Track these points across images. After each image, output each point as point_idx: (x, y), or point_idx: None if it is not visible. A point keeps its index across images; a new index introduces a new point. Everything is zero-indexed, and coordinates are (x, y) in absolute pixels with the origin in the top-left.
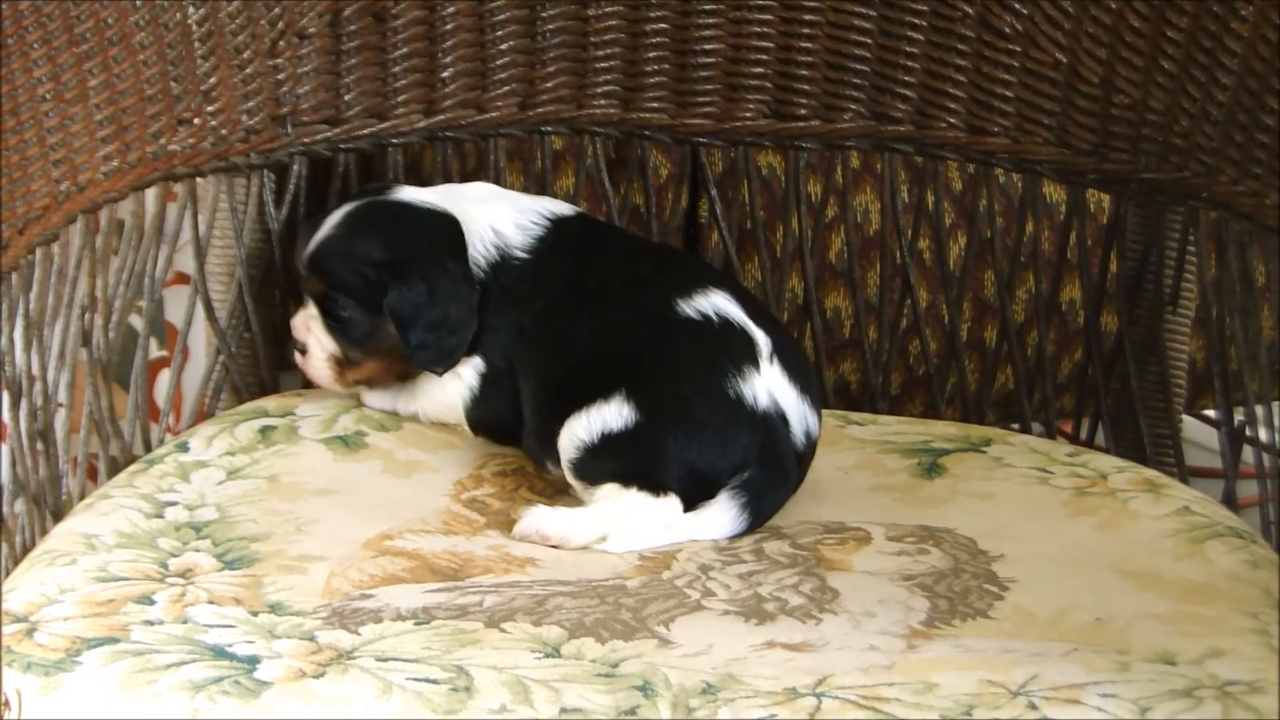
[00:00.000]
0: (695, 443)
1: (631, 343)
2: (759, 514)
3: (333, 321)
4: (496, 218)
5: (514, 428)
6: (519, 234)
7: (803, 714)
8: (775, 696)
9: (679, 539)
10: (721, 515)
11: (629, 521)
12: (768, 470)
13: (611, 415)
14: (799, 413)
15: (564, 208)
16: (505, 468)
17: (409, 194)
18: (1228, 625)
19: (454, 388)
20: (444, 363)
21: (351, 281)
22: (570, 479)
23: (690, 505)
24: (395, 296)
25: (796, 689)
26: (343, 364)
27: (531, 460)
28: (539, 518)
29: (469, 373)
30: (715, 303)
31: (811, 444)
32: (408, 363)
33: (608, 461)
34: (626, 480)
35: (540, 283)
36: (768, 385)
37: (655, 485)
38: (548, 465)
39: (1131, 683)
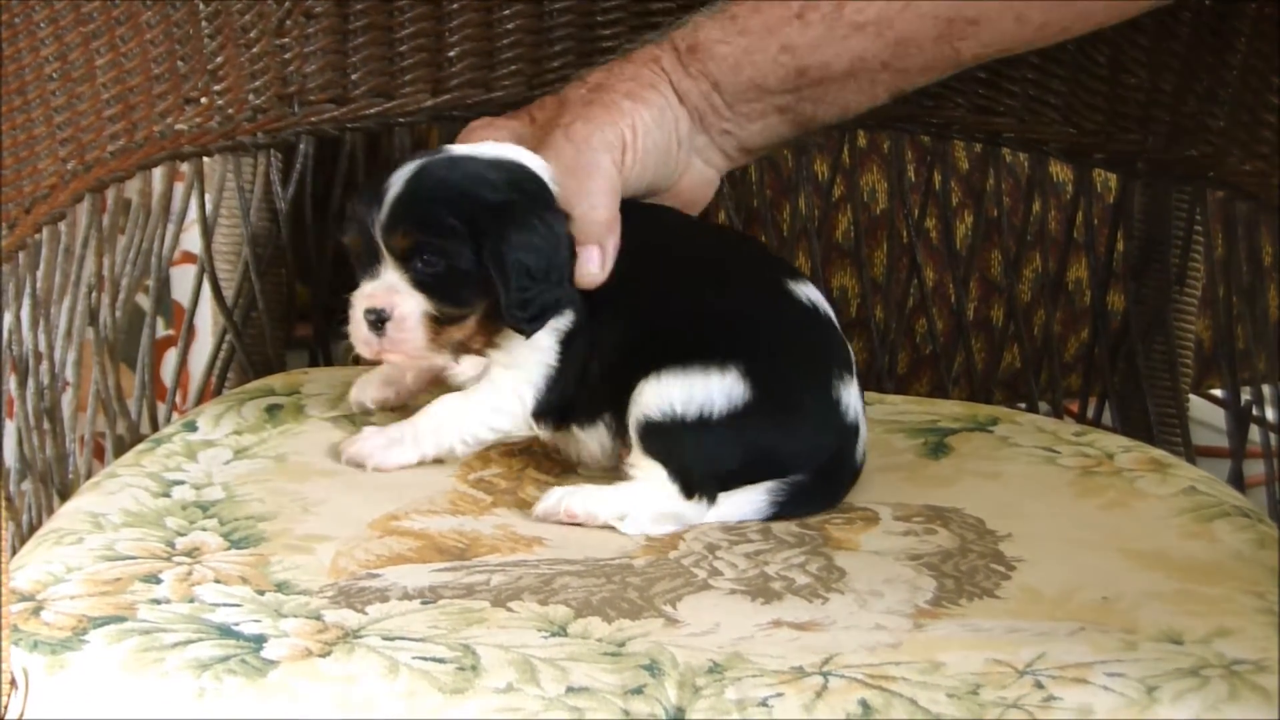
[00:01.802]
0: (792, 436)
1: (745, 314)
2: (788, 514)
3: (428, 277)
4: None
5: (571, 406)
6: None
7: (809, 693)
8: (782, 675)
9: (698, 522)
10: (748, 505)
11: (653, 511)
12: (823, 481)
13: (718, 390)
14: (863, 431)
15: None
16: (512, 448)
17: (466, 149)
18: (1234, 605)
19: (532, 360)
20: (540, 321)
21: (452, 225)
22: (634, 437)
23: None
24: (499, 241)
25: (803, 668)
26: (440, 322)
27: (563, 444)
28: (567, 496)
29: (547, 339)
30: (812, 294)
31: (861, 464)
32: (501, 322)
33: (682, 441)
34: (678, 474)
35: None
36: (854, 395)
37: (701, 489)
38: (592, 440)
39: (1138, 662)
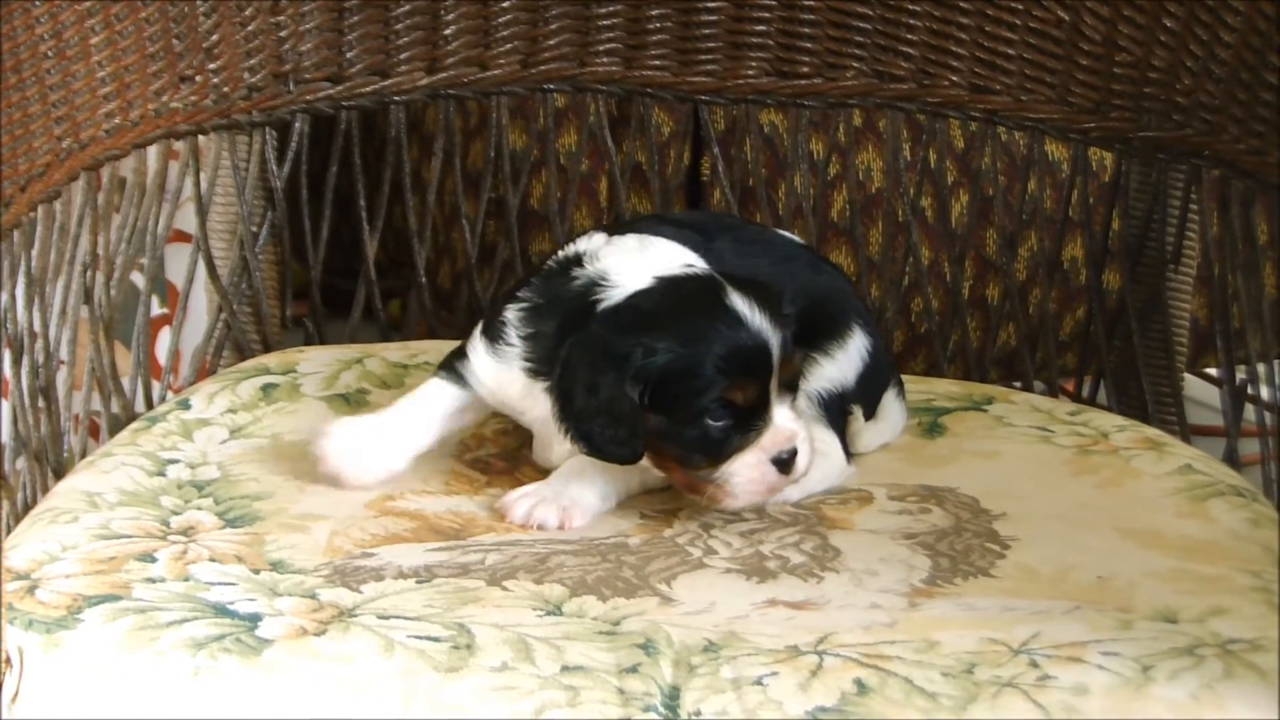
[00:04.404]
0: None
1: (832, 285)
2: None
3: (799, 390)
4: (674, 255)
5: None
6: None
7: (805, 672)
8: (777, 654)
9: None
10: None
11: (839, 472)
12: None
13: (856, 351)
14: None
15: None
16: (507, 426)
17: (684, 263)
18: (1230, 583)
19: None
20: None
21: (799, 334)
22: (814, 425)
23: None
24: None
25: (798, 647)
26: None
27: None
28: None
29: None
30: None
31: None
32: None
33: (853, 402)
34: (842, 436)
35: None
36: None
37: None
38: None
39: (1133, 641)
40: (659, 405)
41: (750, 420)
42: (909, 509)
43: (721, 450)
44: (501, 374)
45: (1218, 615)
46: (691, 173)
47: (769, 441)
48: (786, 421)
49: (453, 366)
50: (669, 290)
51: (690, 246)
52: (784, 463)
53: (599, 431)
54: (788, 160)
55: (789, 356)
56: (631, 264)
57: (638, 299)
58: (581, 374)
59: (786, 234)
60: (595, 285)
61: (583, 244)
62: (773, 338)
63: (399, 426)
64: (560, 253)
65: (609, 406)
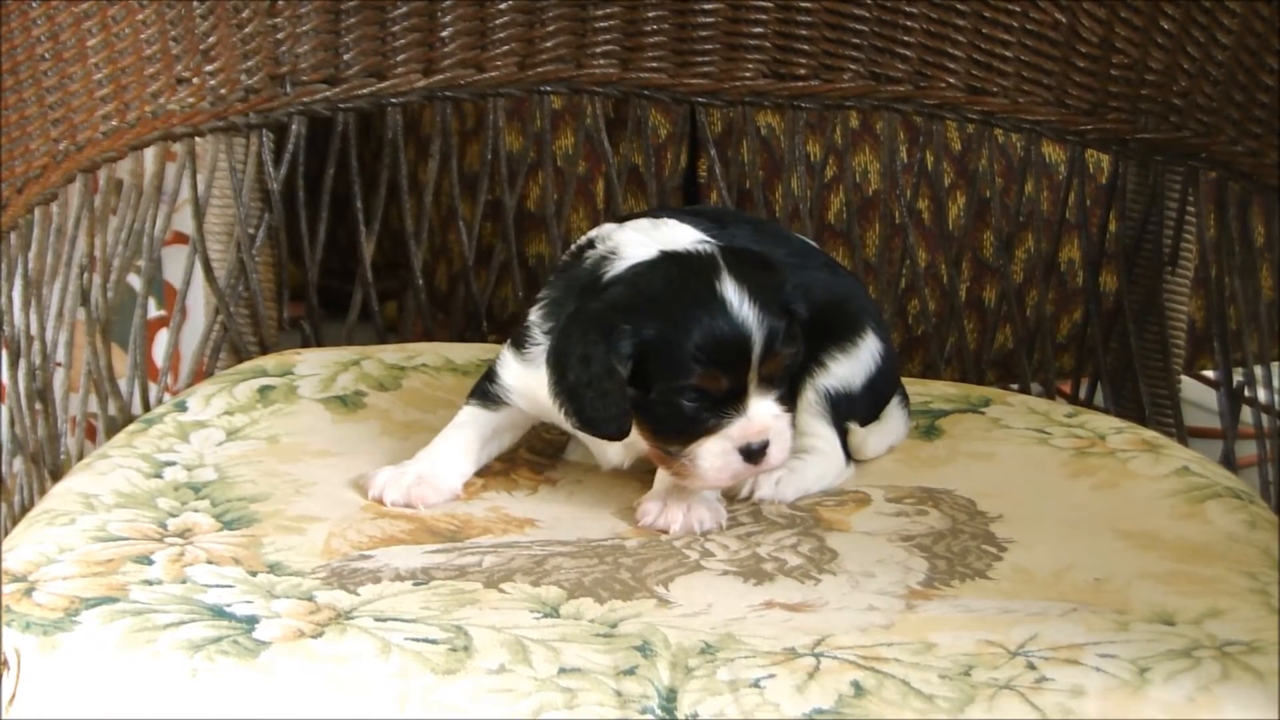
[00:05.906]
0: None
1: (850, 287)
2: None
3: (784, 388)
4: (685, 234)
5: None
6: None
7: (801, 674)
8: (774, 656)
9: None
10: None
11: (836, 472)
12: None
13: (869, 354)
14: None
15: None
16: None
17: (690, 242)
18: (1227, 585)
19: None
20: None
21: (794, 329)
22: (818, 422)
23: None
24: (803, 306)
25: (795, 649)
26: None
27: None
28: (781, 484)
29: None
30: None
31: None
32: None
33: (859, 404)
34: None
35: None
36: None
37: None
38: None
39: (1130, 643)
40: (638, 380)
41: (723, 407)
42: (906, 511)
43: (689, 432)
44: (532, 378)
45: (1215, 617)
46: (688, 174)
47: (739, 431)
48: (763, 413)
49: (482, 390)
50: (668, 267)
51: (704, 232)
52: (753, 453)
53: (589, 404)
54: (785, 162)
55: (775, 351)
56: (641, 239)
57: (637, 273)
58: (574, 346)
59: (800, 236)
60: (604, 259)
61: (594, 231)
62: (757, 330)
63: (437, 461)
64: (573, 245)
65: (597, 381)
